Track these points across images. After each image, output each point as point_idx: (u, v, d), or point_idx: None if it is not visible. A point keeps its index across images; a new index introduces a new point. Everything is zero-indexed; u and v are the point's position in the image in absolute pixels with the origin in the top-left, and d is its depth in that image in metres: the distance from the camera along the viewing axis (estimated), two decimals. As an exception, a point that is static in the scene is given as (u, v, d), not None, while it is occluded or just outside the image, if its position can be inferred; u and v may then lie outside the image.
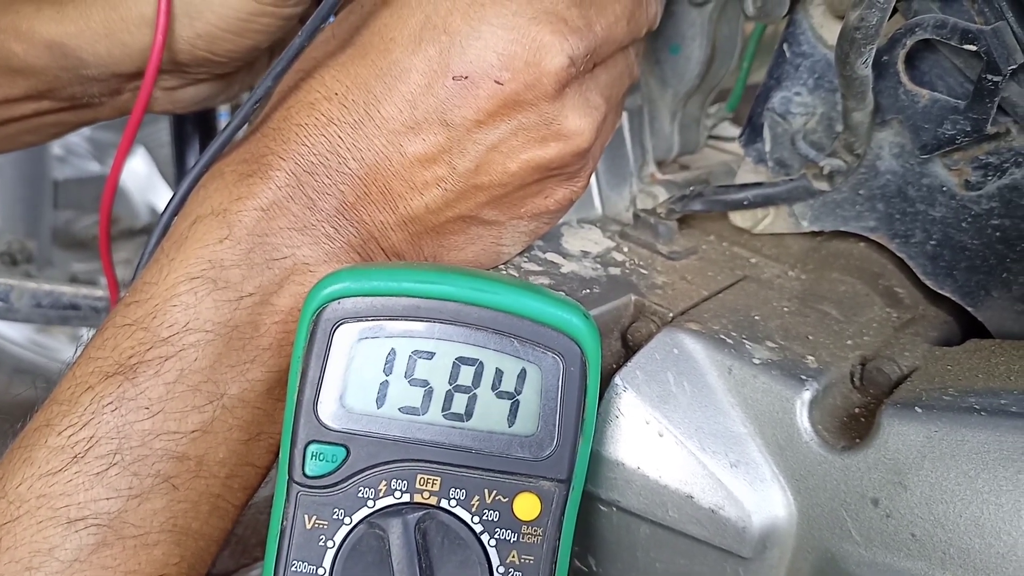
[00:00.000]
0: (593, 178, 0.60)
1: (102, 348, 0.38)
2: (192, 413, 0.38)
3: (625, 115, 0.61)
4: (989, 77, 0.40)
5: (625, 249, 0.54)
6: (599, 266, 0.51)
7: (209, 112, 0.88)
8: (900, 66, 0.44)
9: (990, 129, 0.42)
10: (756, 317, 0.47)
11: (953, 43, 0.41)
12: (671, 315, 0.47)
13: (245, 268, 0.40)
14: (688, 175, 0.66)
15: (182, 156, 0.89)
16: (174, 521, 0.37)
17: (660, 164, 0.65)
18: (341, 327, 0.37)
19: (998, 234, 0.46)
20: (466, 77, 0.40)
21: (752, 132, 0.52)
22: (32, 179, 1.50)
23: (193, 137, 0.88)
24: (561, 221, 0.58)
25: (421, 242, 0.44)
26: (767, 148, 0.52)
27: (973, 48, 0.40)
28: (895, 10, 0.45)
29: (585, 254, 0.53)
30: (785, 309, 0.48)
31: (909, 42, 0.43)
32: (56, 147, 1.59)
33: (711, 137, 0.75)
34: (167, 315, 0.38)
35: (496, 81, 0.40)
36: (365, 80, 0.41)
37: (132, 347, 0.38)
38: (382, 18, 0.42)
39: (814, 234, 0.54)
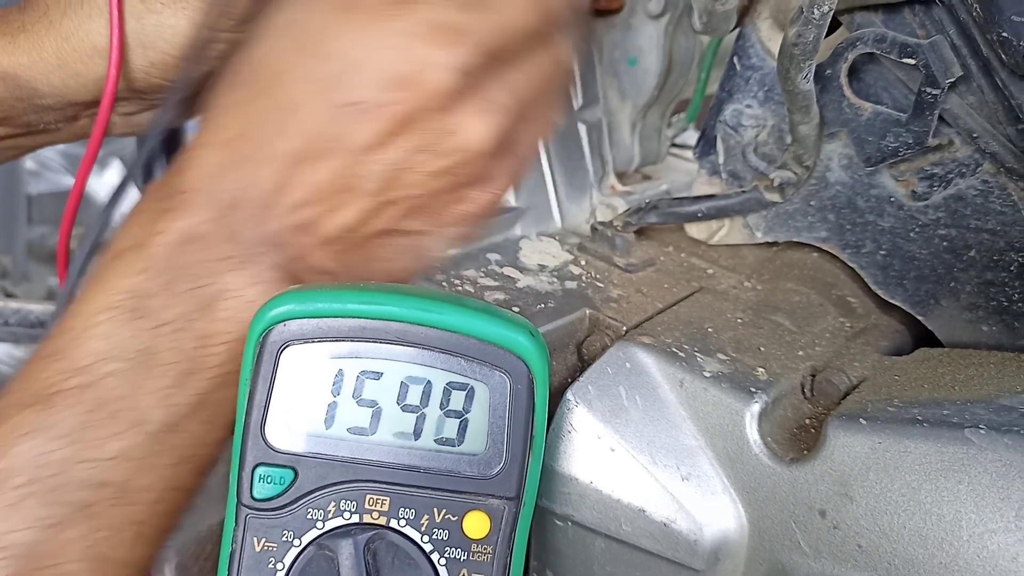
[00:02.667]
0: (552, 190, 0.60)
1: (24, 380, 0.38)
2: (112, 440, 0.38)
3: (584, 128, 0.61)
4: (928, 90, 0.41)
5: (582, 262, 0.54)
6: (555, 280, 0.52)
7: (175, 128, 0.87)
8: (843, 79, 0.44)
9: (932, 141, 0.43)
10: (709, 329, 0.47)
11: (893, 57, 0.41)
12: (625, 328, 0.47)
13: (166, 297, 0.39)
14: (649, 186, 0.66)
15: (149, 172, 0.88)
16: (94, 549, 0.37)
17: (622, 175, 0.66)
18: (287, 349, 0.37)
19: (945, 244, 0.46)
20: (355, 103, 0.40)
21: (706, 144, 0.53)
22: (5, 194, 1.49)
23: (160, 153, 0.88)
24: (520, 234, 0.58)
25: (348, 259, 0.44)
26: (720, 160, 0.52)
27: (912, 62, 0.41)
28: (839, 23, 0.45)
29: (542, 268, 0.53)
30: (739, 320, 0.49)
31: (851, 56, 0.43)
32: (29, 161, 1.58)
33: (676, 146, 0.75)
34: (86, 344, 0.38)
35: (385, 104, 0.40)
36: (255, 116, 0.41)
37: (50, 377, 0.38)
38: (262, 49, 0.42)
39: (770, 244, 0.55)
